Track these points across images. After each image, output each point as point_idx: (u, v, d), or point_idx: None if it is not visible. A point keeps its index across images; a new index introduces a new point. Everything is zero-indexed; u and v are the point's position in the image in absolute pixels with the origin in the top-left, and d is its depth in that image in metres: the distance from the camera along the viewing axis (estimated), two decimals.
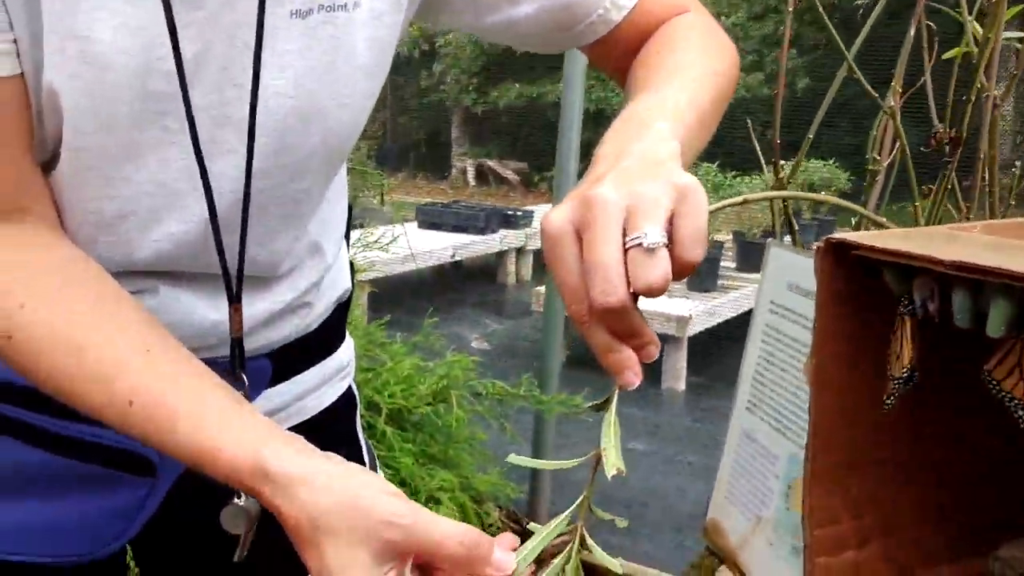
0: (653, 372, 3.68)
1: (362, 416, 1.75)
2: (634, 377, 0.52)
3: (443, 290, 5.35)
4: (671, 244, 0.48)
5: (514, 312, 4.89)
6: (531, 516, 2.35)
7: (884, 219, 0.80)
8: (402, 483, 1.71)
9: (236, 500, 0.69)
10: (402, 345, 2.00)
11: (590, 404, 0.56)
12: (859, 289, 0.58)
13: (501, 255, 5.65)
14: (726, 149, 5.37)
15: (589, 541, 0.55)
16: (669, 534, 2.40)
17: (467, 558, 0.50)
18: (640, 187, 0.49)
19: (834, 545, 0.61)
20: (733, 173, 5.34)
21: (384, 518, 0.49)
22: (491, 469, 2.00)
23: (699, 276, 4.18)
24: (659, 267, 0.47)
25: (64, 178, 0.60)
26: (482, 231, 5.46)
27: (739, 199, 0.74)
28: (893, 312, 0.58)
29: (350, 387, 0.90)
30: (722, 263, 4.45)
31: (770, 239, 1.00)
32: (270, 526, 0.79)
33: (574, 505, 0.55)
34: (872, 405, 0.60)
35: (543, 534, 0.54)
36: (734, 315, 4.08)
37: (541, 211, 5.99)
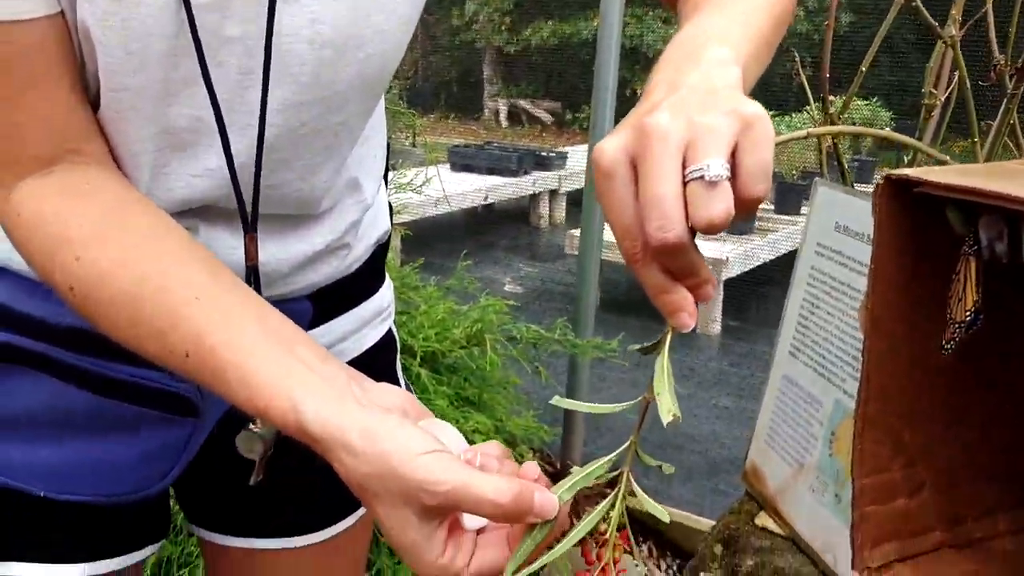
0: None
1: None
2: (689, 319, 0.50)
3: (476, 233, 5.33)
4: (733, 178, 0.45)
5: (547, 255, 4.86)
6: (564, 459, 2.36)
7: (946, 157, 0.76)
8: None
9: (251, 426, 0.70)
10: (436, 289, 1.99)
11: (639, 346, 0.54)
12: (918, 229, 0.55)
13: (534, 197, 5.60)
14: (763, 87, 5.21)
15: (636, 488, 0.53)
16: (704, 478, 2.40)
17: (507, 515, 0.49)
18: (701, 116, 0.46)
19: (883, 494, 0.59)
20: (772, 113, 5.24)
21: (419, 486, 0.48)
22: (525, 413, 2.00)
23: (735, 218, 4.11)
24: (721, 202, 0.45)
25: (105, 120, 0.59)
26: (515, 173, 5.41)
27: (802, 132, 0.71)
28: (953, 253, 0.55)
29: (390, 329, 0.90)
30: (760, 205, 4.38)
31: (818, 178, 0.96)
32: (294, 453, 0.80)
33: (620, 449, 0.53)
34: (928, 351, 0.57)
35: (584, 473, 0.52)
36: (771, 258, 4.02)
37: (575, 152, 5.92)
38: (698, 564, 0.88)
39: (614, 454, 0.53)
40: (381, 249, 0.86)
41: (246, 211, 0.64)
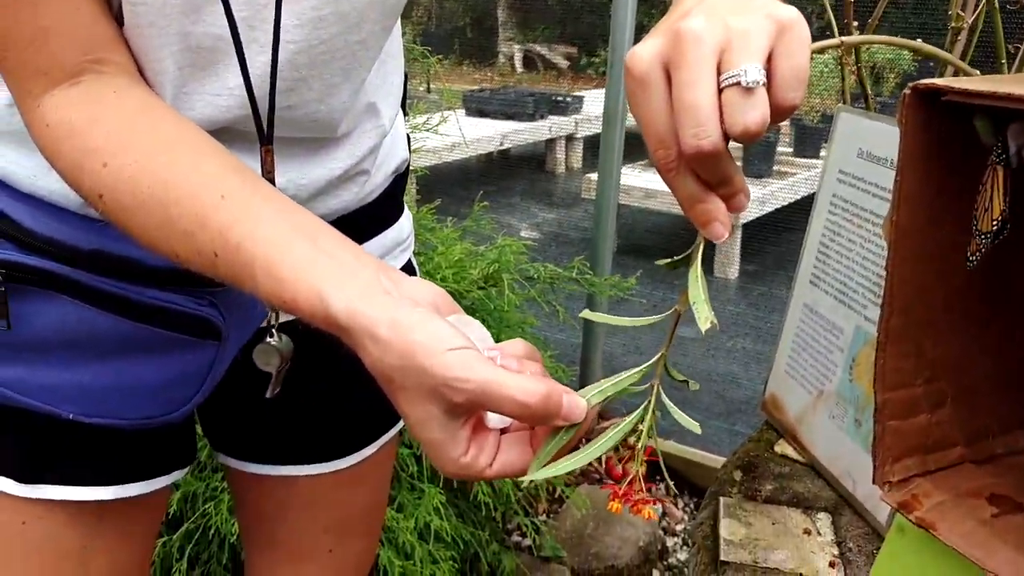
0: (705, 259, 3.63)
1: None
2: (722, 229, 0.49)
3: (491, 179, 5.30)
4: (768, 84, 0.45)
5: (564, 201, 4.84)
6: None
7: (976, 71, 0.75)
8: None
9: (268, 339, 0.71)
10: (453, 230, 1.99)
11: (668, 260, 0.54)
12: (944, 141, 0.54)
13: (550, 143, 5.55)
14: None
15: (667, 400, 0.54)
16: (720, 419, 2.41)
17: (533, 416, 0.49)
18: (736, 21, 0.45)
19: (905, 408, 0.59)
20: None
21: (445, 382, 0.47)
22: (542, 354, 2.00)
23: (753, 161, 4.07)
24: (757, 108, 0.44)
25: (128, 38, 0.59)
26: (531, 118, 5.36)
27: (836, 41, 0.70)
28: (980, 166, 0.55)
29: (410, 261, 0.90)
30: (778, 148, 4.33)
31: (840, 104, 0.95)
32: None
33: (650, 362, 0.54)
34: (953, 265, 0.57)
35: (614, 381, 0.52)
36: (790, 202, 3.98)
37: (591, 97, 5.86)
38: (717, 490, 0.89)
39: (644, 366, 0.53)
40: (400, 178, 0.86)
41: (262, 122, 0.64)
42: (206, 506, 1.40)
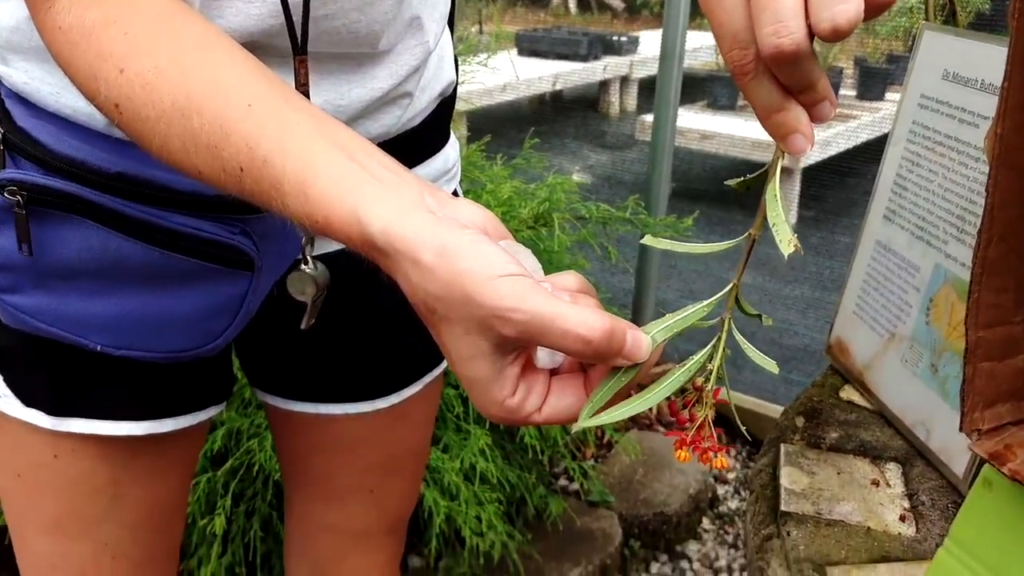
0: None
1: None
2: (804, 142, 0.43)
3: (543, 120, 5.20)
4: None
5: (617, 143, 4.72)
6: None
7: None
8: None
9: (303, 267, 0.67)
10: (503, 168, 1.93)
11: (738, 180, 0.48)
12: None
13: (604, 84, 5.41)
14: None
15: (739, 337, 0.48)
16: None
17: (595, 352, 0.43)
18: None
19: (1001, 348, 0.53)
20: None
21: (496, 313, 0.42)
22: None
23: None
24: (849, 1, 0.38)
25: None
26: (585, 58, 5.22)
27: None
28: None
29: (456, 191, 0.85)
30: (840, 91, 4.16)
31: (924, 21, 0.86)
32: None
33: (720, 294, 0.48)
34: None
35: (681, 316, 0.47)
36: (851, 146, 3.82)
37: (647, 37, 5.69)
38: (778, 436, 0.84)
39: (714, 297, 0.48)
40: (446, 103, 0.81)
41: (295, 31, 0.59)
42: (250, 443, 1.39)
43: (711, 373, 0.48)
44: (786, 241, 0.43)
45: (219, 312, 0.69)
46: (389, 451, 0.88)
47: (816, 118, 0.44)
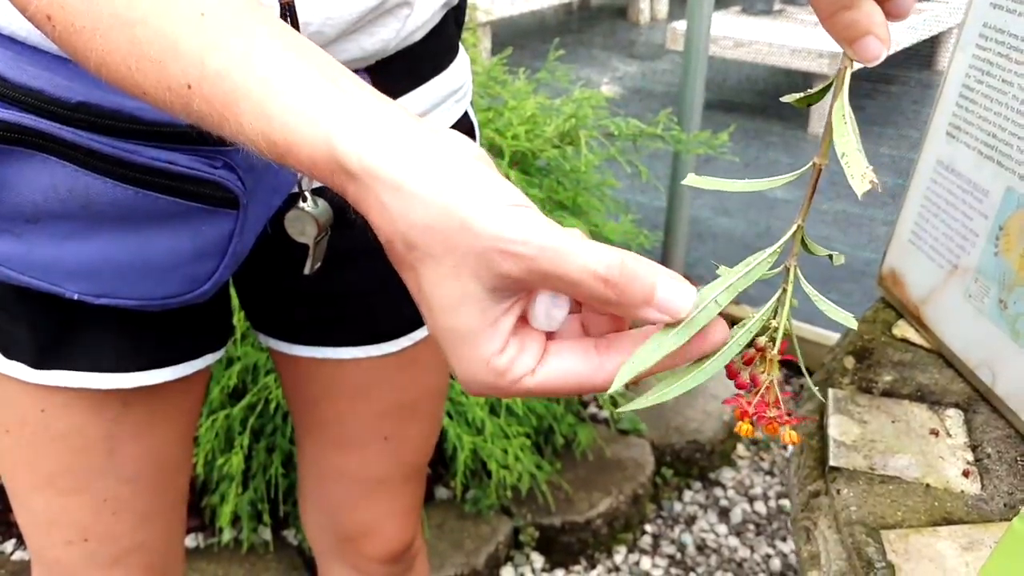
0: (800, 115, 3.37)
1: None
2: (879, 46, 0.35)
3: (570, 30, 5.00)
4: None
5: (648, 53, 4.54)
6: (665, 265, 2.24)
7: None
8: None
9: (301, 204, 0.59)
10: (526, 82, 1.82)
11: (797, 96, 0.40)
12: None
13: None
14: None
15: (807, 287, 0.41)
16: (816, 287, 2.25)
17: (618, 297, 0.35)
18: None
19: None
20: None
21: (498, 246, 0.34)
22: (623, 217, 1.86)
23: None
24: None
25: None
26: None
27: None
28: None
29: (467, 113, 0.77)
30: None
31: None
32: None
33: (784, 238, 0.40)
34: None
35: (745, 271, 0.39)
36: (903, 47, 3.63)
37: None
38: (826, 379, 0.76)
39: (778, 244, 0.40)
40: (452, 15, 0.72)
41: None
42: (267, 378, 1.34)
43: (776, 331, 0.40)
44: (859, 175, 0.35)
45: (204, 255, 0.62)
46: (402, 396, 0.82)
47: (893, 15, 0.36)
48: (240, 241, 0.62)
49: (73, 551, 0.74)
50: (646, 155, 1.83)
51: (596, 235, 1.74)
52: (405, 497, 0.89)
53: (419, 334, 0.78)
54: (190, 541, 1.52)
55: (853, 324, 0.38)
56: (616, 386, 0.37)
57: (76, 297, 0.61)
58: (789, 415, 0.40)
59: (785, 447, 1.90)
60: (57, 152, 0.55)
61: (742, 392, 0.41)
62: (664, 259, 2.25)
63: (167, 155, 0.56)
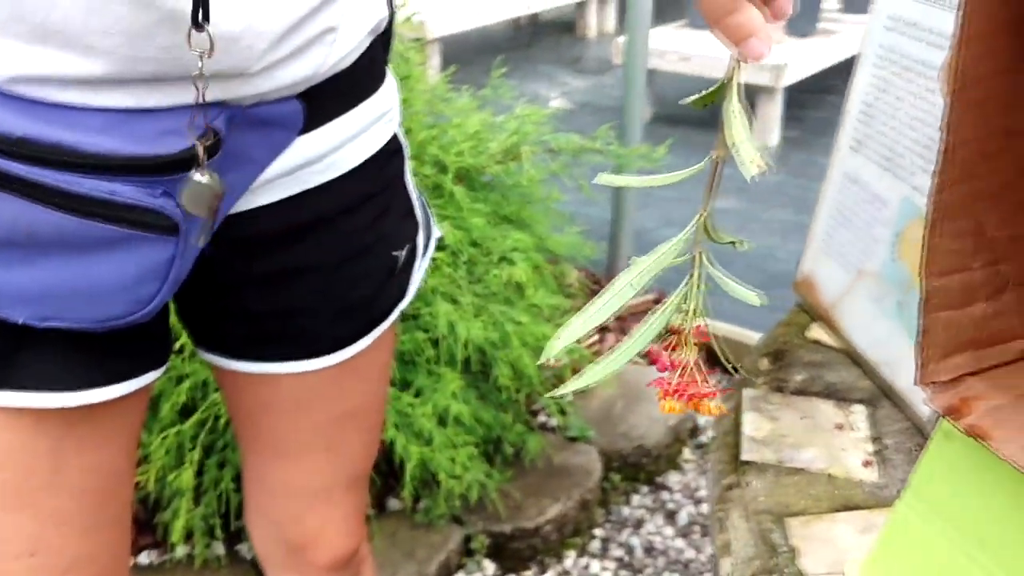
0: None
1: (428, 176, 1.66)
2: (761, 46, 0.40)
3: (518, 45, 5.07)
4: None
5: (596, 68, 4.61)
6: (610, 276, 2.30)
7: None
8: (473, 244, 1.64)
9: (197, 178, 0.60)
10: (470, 99, 1.86)
11: (694, 97, 0.45)
12: None
13: (581, 6, 5.25)
14: None
15: (714, 271, 0.45)
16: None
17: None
18: None
19: (959, 296, 0.50)
20: None
21: None
22: (568, 229, 1.91)
23: (796, 18, 3.82)
24: None
25: None
26: None
27: None
28: None
29: (395, 136, 0.80)
30: (823, 4, 4.05)
31: None
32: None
33: (689, 226, 0.45)
34: None
35: (652, 259, 0.43)
36: (836, 63, 3.74)
37: None
38: (743, 380, 0.81)
39: (683, 233, 0.44)
40: (380, 41, 0.75)
41: None
42: (216, 394, 1.36)
43: (689, 313, 0.45)
44: (748, 161, 0.39)
45: (147, 278, 0.64)
46: (341, 408, 0.85)
47: (775, 14, 0.41)
48: (180, 264, 0.65)
49: (21, 565, 0.76)
50: (590, 168, 1.88)
51: (541, 247, 1.78)
52: (349, 505, 0.92)
53: (358, 346, 0.81)
54: (143, 558, 1.53)
55: (756, 302, 0.43)
56: (548, 354, 0.42)
57: (22, 321, 0.64)
58: (709, 390, 0.44)
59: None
60: (2, 184, 0.58)
61: (665, 374, 0.45)
62: (609, 269, 2.30)
63: (108, 185, 0.59)
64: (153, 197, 0.60)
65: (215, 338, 0.81)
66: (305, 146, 0.68)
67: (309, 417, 0.84)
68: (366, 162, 0.74)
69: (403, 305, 0.81)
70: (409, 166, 0.82)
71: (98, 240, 0.61)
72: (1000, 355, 0.52)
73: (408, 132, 1.66)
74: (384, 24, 0.74)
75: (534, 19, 5.20)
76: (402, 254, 0.79)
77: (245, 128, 0.63)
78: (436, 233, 0.86)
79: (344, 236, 0.73)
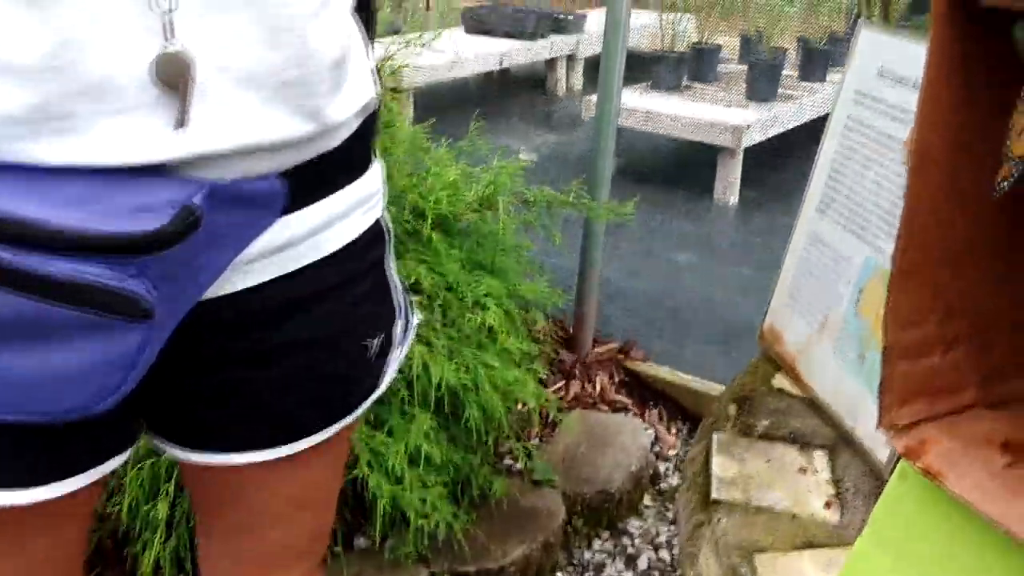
0: (705, 184, 3.57)
1: (407, 222, 1.71)
2: None
3: (490, 99, 5.18)
4: None
5: (564, 123, 4.73)
6: (577, 326, 2.35)
7: None
8: (448, 288, 1.69)
9: (170, 48, 0.53)
10: (448, 150, 1.92)
11: None
12: (976, 56, 0.49)
13: (551, 63, 5.40)
14: None
15: None
16: (716, 344, 2.39)
17: None
18: None
19: (916, 349, 0.55)
20: None
21: None
22: (538, 278, 1.96)
23: (757, 84, 3.97)
24: None
25: None
26: (531, 36, 5.20)
27: None
28: (1014, 85, 0.50)
29: (378, 220, 0.74)
30: (783, 71, 4.21)
31: (861, 19, 0.89)
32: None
33: None
34: (977, 194, 0.52)
35: None
36: (794, 126, 3.89)
37: (594, 16, 5.69)
38: (712, 424, 0.86)
39: None
40: (367, 122, 0.71)
41: None
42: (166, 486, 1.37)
43: None
44: None
45: (111, 367, 0.59)
46: (298, 492, 0.80)
47: None
48: (150, 351, 0.61)
49: None
50: (560, 220, 1.94)
51: (513, 294, 1.83)
52: (305, 564, 0.88)
53: (325, 434, 0.76)
54: None
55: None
56: None
57: None
58: None
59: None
60: None
61: None
62: (577, 317, 2.36)
63: (73, 265, 0.54)
64: (123, 278, 0.55)
65: (175, 425, 0.75)
66: (287, 227, 0.64)
67: (265, 501, 0.80)
68: (348, 246, 0.70)
69: (376, 395, 0.76)
70: (392, 252, 0.78)
71: (60, 326, 0.56)
72: (953, 403, 0.57)
73: (389, 179, 1.70)
74: (373, 104, 0.71)
75: (506, 74, 5.32)
76: (377, 342, 0.74)
77: (227, 205, 0.59)
78: (415, 320, 0.81)
79: (319, 322, 0.69)
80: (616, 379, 2.34)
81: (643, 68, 4.10)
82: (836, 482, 0.78)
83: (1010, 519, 0.47)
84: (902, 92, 0.82)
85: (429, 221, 1.71)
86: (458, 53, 4.37)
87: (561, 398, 2.24)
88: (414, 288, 1.62)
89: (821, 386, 0.89)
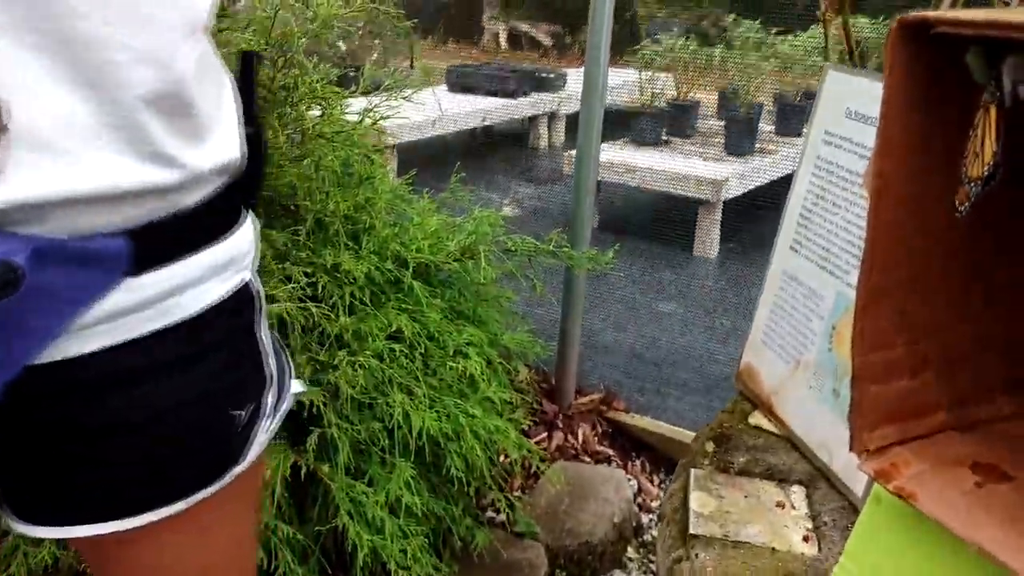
0: (685, 237, 3.60)
1: (389, 271, 1.71)
2: None
3: (473, 155, 5.24)
4: None
5: (546, 178, 4.79)
6: (558, 375, 2.34)
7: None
8: (430, 337, 1.69)
9: None
10: (429, 201, 1.94)
11: None
12: (932, 82, 0.50)
13: (533, 119, 5.49)
14: (768, 7, 5.13)
15: None
16: (698, 395, 2.39)
17: None
18: None
19: (885, 372, 0.56)
20: (775, 31, 5.11)
21: None
22: (520, 327, 1.97)
23: (734, 139, 4.04)
24: None
25: None
26: (513, 94, 5.29)
27: None
28: (971, 110, 0.51)
29: (247, 284, 0.69)
30: (760, 125, 4.29)
31: (827, 63, 0.91)
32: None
33: None
34: (939, 219, 0.53)
35: None
36: (771, 180, 3.95)
37: (575, 74, 5.80)
38: (689, 461, 0.86)
39: None
40: (236, 187, 0.66)
41: None
42: None
43: None
44: None
45: None
46: (169, 562, 0.72)
47: None
48: None
49: None
50: (541, 271, 1.95)
51: (494, 343, 1.83)
52: None
53: (178, 506, 0.67)
54: None
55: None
56: None
57: None
58: None
59: None
60: None
61: None
62: (558, 368, 2.36)
63: None
64: None
65: (10, 496, 0.67)
66: (135, 288, 0.58)
67: (131, 571, 0.71)
68: (208, 311, 0.64)
69: (237, 469, 0.68)
70: (264, 318, 0.71)
71: None
72: (923, 426, 0.58)
73: (371, 229, 1.72)
74: (236, 167, 0.65)
75: (488, 131, 5.39)
76: (244, 413, 0.68)
77: (59, 264, 0.53)
78: (293, 389, 0.74)
79: (175, 390, 0.63)
80: (599, 430, 2.34)
81: (623, 123, 4.17)
82: (814, 516, 0.78)
83: (982, 537, 0.48)
84: (870, 131, 0.84)
85: (411, 270, 1.71)
86: (442, 110, 4.43)
87: (544, 449, 2.23)
88: (395, 336, 1.62)
89: (797, 422, 0.90)
